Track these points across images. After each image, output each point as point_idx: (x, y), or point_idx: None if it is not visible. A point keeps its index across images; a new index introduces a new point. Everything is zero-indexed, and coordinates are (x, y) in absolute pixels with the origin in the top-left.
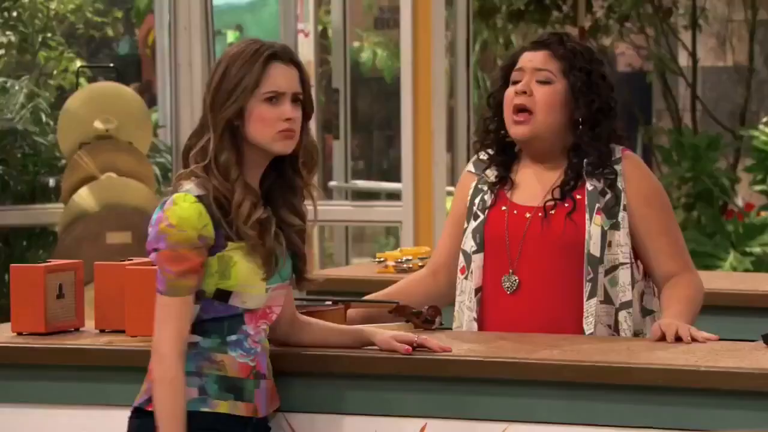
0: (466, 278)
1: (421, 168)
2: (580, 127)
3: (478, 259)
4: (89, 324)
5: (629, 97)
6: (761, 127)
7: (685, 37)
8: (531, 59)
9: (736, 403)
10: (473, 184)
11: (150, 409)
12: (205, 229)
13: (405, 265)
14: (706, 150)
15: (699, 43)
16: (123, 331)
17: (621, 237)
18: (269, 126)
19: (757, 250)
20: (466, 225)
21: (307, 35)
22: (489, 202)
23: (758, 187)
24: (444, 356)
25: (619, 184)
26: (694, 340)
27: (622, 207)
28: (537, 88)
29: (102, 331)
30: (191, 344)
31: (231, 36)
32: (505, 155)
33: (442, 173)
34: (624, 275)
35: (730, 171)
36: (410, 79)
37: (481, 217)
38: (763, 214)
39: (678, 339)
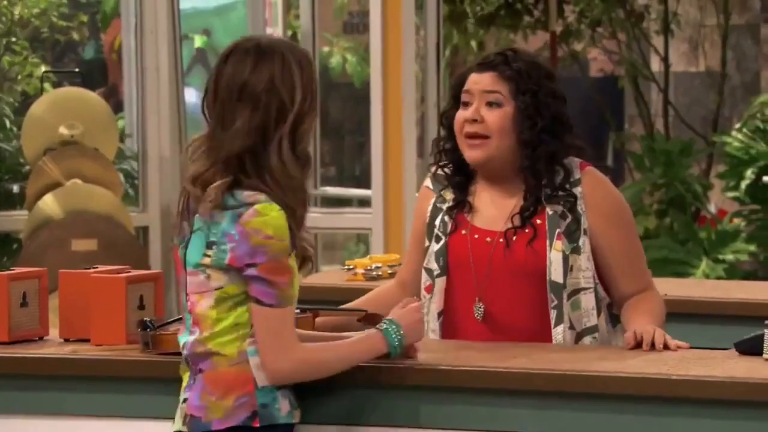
0: (430, 298)
1: (391, 174)
2: (527, 148)
3: (440, 283)
4: (53, 333)
5: (601, 102)
6: (734, 133)
7: (658, 42)
8: (478, 81)
9: (707, 412)
10: (432, 201)
11: (257, 425)
12: (290, 237)
13: (374, 273)
14: (678, 156)
15: (671, 48)
16: (88, 340)
17: (582, 261)
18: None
19: (729, 257)
20: (427, 243)
21: None
22: (450, 226)
23: (731, 194)
24: (412, 365)
25: (579, 207)
26: (666, 347)
27: (582, 231)
28: (487, 113)
29: (66, 340)
30: None
31: (198, 41)
32: (462, 175)
33: (413, 179)
34: (587, 300)
35: (702, 177)
36: (380, 84)
37: (443, 239)
38: (736, 221)
39: (652, 346)
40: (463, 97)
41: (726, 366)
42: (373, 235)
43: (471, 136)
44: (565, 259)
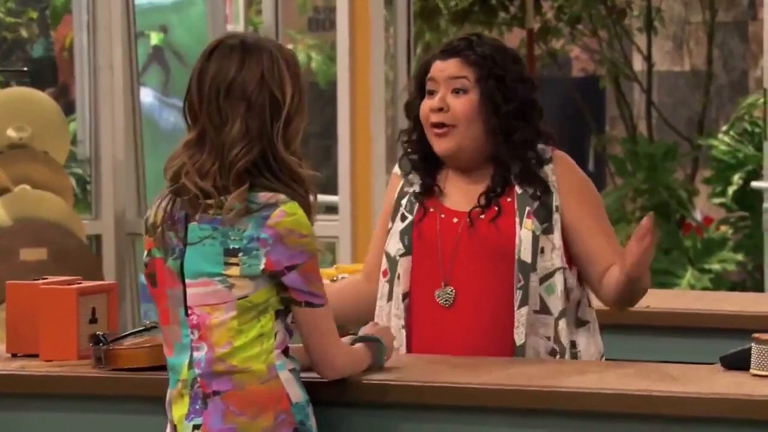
0: (388, 281)
1: (359, 180)
2: (498, 134)
3: (405, 263)
4: (0, 348)
5: (581, 103)
6: (720, 135)
7: (640, 40)
8: (443, 69)
9: (691, 430)
10: (400, 185)
11: None
12: None
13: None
14: (662, 160)
15: (654, 46)
16: (37, 356)
17: (555, 240)
18: None
19: (716, 267)
20: (391, 225)
21: None
22: (417, 206)
23: (717, 200)
24: (381, 381)
25: (551, 185)
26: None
27: (554, 208)
28: (453, 100)
29: (14, 355)
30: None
31: (155, 38)
32: (431, 162)
33: (382, 185)
34: (559, 281)
35: (687, 182)
36: (347, 84)
37: (409, 218)
38: (723, 228)
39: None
40: (429, 86)
41: (711, 382)
42: (341, 243)
43: (437, 125)
44: (535, 239)
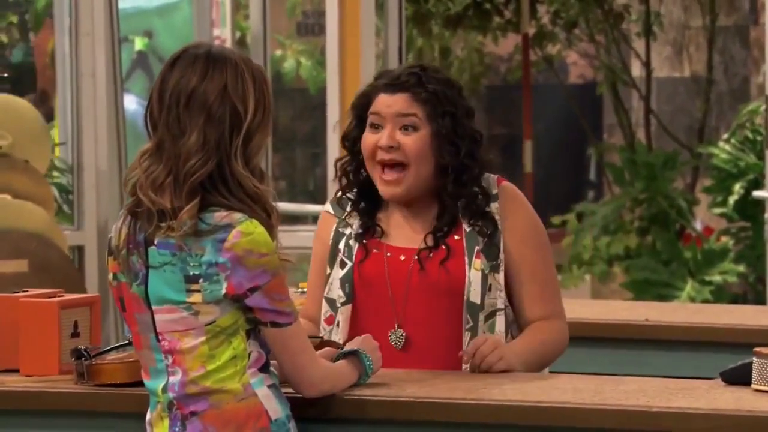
0: (331, 330)
1: None
2: (448, 172)
3: (345, 311)
4: None
5: (579, 111)
6: (721, 143)
7: (638, 45)
8: (390, 104)
9: None
10: (334, 227)
11: None
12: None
13: None
14: (661, 169)
15: (653, 51)
16: (17, 371)
17: (500, 279)
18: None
19: (717, 278)
20: (329, 271)
21: (223, 42)
22: (357, 250)
23: (718, 210)
24: (372, 398)
25: (498, 222)
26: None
27: (501, 247)
28: (403, 137)
29: None
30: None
31: (139, 43)
32: (368, 200)
33: None
34: (500, 322)
35: (687, 192)
36: (337, 90)
37: (349, 264)
38: (724, 239)
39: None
40: (373, 119)
41: (711, 397)
42: None
43: (389, 164)
44: (484, 278)
